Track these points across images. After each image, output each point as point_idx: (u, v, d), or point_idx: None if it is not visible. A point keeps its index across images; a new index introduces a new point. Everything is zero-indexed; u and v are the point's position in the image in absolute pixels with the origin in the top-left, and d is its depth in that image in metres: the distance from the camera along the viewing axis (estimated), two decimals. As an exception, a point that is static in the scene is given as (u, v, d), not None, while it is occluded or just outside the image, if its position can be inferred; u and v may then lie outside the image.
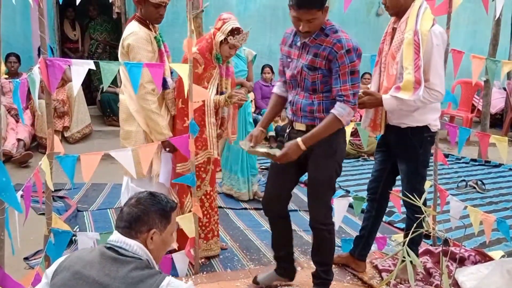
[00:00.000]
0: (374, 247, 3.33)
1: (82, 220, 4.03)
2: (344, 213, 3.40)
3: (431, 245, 3.57)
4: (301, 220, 4.11)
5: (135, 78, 2.62)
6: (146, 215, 1.68)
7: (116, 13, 6.75)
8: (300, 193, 4.68)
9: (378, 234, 3.27)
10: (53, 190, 2.72)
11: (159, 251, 1.73)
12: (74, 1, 2.85)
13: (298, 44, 2.56)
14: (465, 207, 3.37)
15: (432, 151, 3.31)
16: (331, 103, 2.52)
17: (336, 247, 2.88)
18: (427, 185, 3.07)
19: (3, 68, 5.56)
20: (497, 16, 4.40)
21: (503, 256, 3.38)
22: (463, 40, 8.14)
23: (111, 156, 2.76)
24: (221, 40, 3.07)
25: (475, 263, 3.24)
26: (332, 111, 2.47)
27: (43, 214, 2.82)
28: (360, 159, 6.34)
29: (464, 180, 5.37)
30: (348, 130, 3.11)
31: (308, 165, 2.64)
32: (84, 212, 4.19)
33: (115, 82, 5.99)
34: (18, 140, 5.51)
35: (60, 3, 3.24)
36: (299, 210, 4.37)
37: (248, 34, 3.16)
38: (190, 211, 3.08)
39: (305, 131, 2.56)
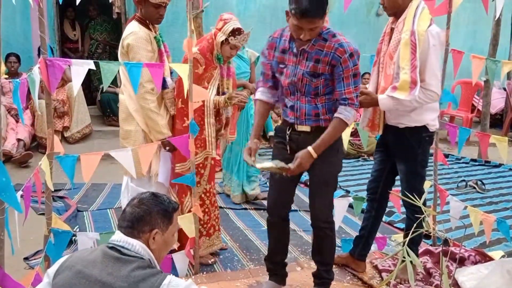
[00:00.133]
0: (374, 247, 3.33)
1: (82, 220, 4.03)
2: (344, 213, 3.39)
3: (431, 245, 3.57)
4: (301, 220, 4.11)
5: (135, 78, 2.62)
6: (149, 215, 1.69)
7: (116, 13, 6.75)
8: (300, 193, 4.66)
9: (378, 234, 3.26)
10: (53, 190, 2.71)
11: (160, 251, 1.75)
12: (74, 1, 2.85)
13: (295, 50, 2.51)
14: (465, 207, 3.37)
15: (432, 151, 3.31)
16: (333, 103, 2.53)
17: (336, 247, 2.87)
18: (427, 185, 3.06)
19: (3, 68, 5.55)
20: (497, 16, 4.39)
21: (503, 256, 3.38)
22: (463, 40, 8.14)
23: (111, 156, 2.76)
24: (222, 41, 3.07)
25: (475, 263, 3.24)
26: (338, 115, 2.47)
27: (43, 214, 2.82)
28: (360, 159, 6.34)
29: (464, 180, 5.36)
30: (348, 130, 3.11)
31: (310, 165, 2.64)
32: (84, 212, 4.20)
33: (115, 82, 5.98)
34: (18, 140, 5.51)
35: (60, 3, 3.24)
36: (299, 210, 4.36)
37: (249, 35, 3.17)
38: (189, 210, 3.08)
39: (309, 131, 2.57)
